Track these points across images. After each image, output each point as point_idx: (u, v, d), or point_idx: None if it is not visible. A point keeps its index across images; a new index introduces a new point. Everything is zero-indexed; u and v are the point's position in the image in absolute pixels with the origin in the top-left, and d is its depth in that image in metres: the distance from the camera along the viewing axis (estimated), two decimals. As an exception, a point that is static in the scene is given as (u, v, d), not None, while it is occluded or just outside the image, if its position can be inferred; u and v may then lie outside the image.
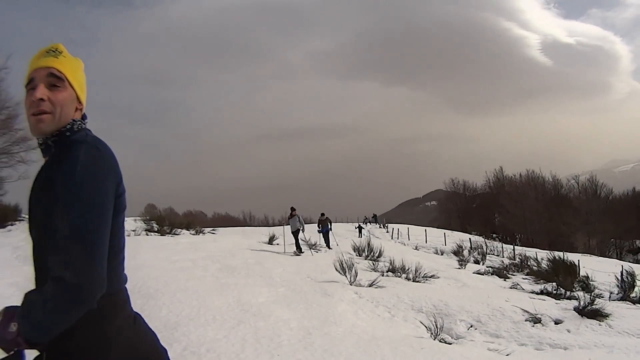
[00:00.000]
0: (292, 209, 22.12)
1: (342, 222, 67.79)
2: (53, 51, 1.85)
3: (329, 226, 26.60)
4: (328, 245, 25.49)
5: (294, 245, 20.86)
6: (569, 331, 9.11)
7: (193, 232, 28.38)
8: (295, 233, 21.30)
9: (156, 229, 25.94)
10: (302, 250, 20.68)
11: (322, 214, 26.77)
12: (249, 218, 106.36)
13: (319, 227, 26.81)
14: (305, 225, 24.10)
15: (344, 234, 40.89)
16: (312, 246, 22.78)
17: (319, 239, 26.16)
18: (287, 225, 23.00)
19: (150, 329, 1.97)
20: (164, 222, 27.07)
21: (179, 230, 27.27)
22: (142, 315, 1.95)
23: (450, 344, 8.09)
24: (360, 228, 46.56)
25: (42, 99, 1.75)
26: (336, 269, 12.91)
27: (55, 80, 1.79)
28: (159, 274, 11.11)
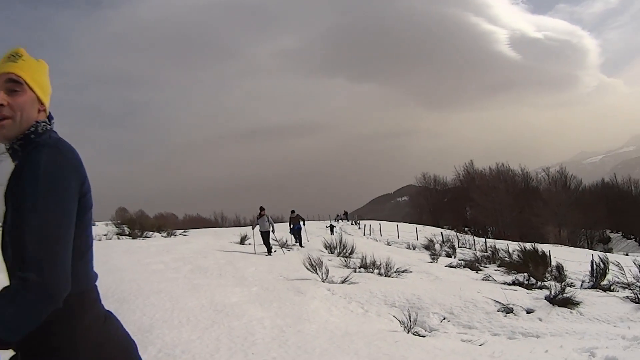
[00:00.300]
0: (261, 209, 21.34)
1: (314, 220, 67.80)
2: (13, 56, 1.83)
3: (301, 223, 26.20)
4: (300, 244, 25.11)
5: (265, 246, 20.26)
6: (540, 320, 9.24)
7: (165, 234, 28.28)
8: (265, 234, 20.53)
9: (127, 233, 25.81)
10: (274, 250, 20.36)
11: (293, 211, 26.31)
12: (220, 219, 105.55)
13: (290, 225, 26.34)
14: (277, 225, 23.99)
15: (315, 231, 40.88)
16: (284, 245, 22.80)
17: (290, 237, 25.75)
18: (257, 225, 22.27)
19: (123, 328, 1.94)
20: (135, 225, 26.96)
21: (151, 233, 27.24)
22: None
23: (423, 336, 8.16)
24: (332, 227, 46.46)
25: (1, 105, 1.72)
26: (306, 267, 12.89)
27: (14, 85, 1.77)
28: (131, 277, 11.00)
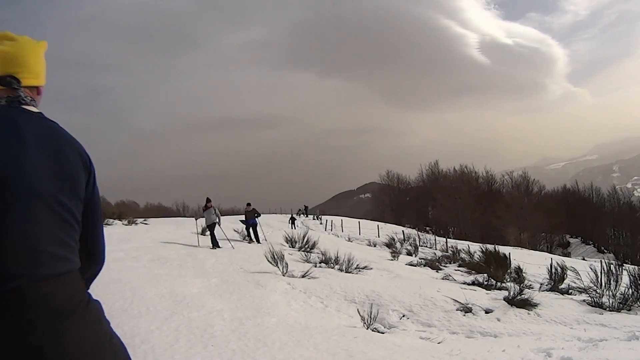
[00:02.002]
0: (208, 200, 20.67)
1: (275, 214, 67.82)
2: None
3: (257, 219, 24.30)
4: (257, 239, 23.71)
5: (211, 239, 19.48)
6: (499, 320, 9.40)
7: (125, 222, 28.10)
8: (210, 226, 19.92)
9: None
10: (220, 245, 19.26)
11: (249, 204, 24.33)
12: (182, 208, 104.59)
13: (245, 219, 24.54)
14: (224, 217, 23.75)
15: (277, 225, 40.91)
16: (245, 237, 23.02)
17: (245, 230, 24.59)
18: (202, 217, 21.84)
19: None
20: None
21: (111, 220, 27.03)
22: None
23: (383, 333, 8.23)
24: (292, 220, 46.52)
25: None
26: (267, 259, 12.90)
27: None
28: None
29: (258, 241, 23.48)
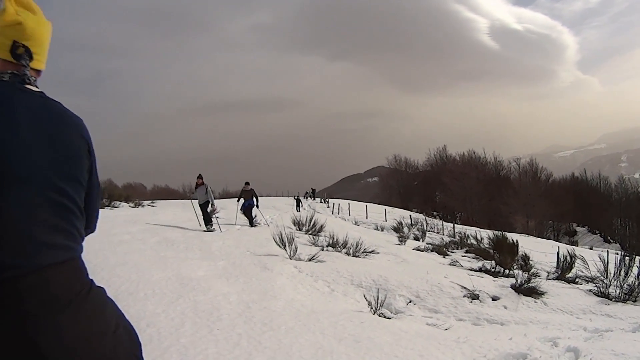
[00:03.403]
0: (199, 177, 19.48)
1: (282, 197, 67.97)
2: None
3: (254, 200, 22.13)
4: (251, 222, 21.74)
5: (203, 219, 18.64)
6: (505, 307, 9.39)
7: (132, 204, 28.11)
8: (203, 206, 18.93)
9: None
10: (213, 228, 18.31)
11: (247, 183, 22.43)
12: (189, 191, 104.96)
13: (242, 199, 22.39)
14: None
15: (284, 207, 40.98)
16: (252, 220, 22.14)
17: (244, 214, 22.36)
18: (240, 199, 21.54)
19: None
20: (102, 194, 26.38)
21: (118, 203, 27.07)
22: None
23: (389, 318, 8.21)
24: (298, 201, 46.51)
25: None
26: (276, 242, 12.89)
27: None
28: (97, 247, 10.87)
29: (251, 224, 21.75)
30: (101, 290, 1.80)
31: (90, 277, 1.80)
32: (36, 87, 1.79)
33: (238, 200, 23.06)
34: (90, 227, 1.99)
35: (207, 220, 18.46)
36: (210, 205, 18.88)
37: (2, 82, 1.69)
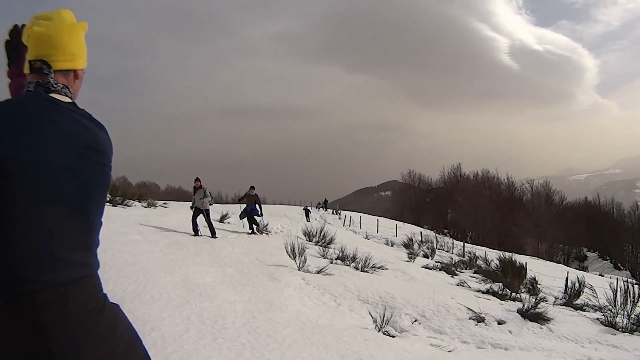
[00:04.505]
0: (197, 180, 18.52)
1: (294, 205, 67.96)
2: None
3: (257, 206, 20.84)
4: (252, 229, 20.65)
5: (208, 227, 17.47)
6: (510, 332, 9.32)
7: (145, 204, 28.01)
8: (198, 210, 17.82)
9: (108, 199, 25.05)
10: (200, 233, 17.23)
11: (252, 187, 21.23)
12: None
13: (245, 205, 21.20)
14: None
15: (295, 217, 41.00)
16: (262, 228, 21.63)
17: (247, 221, 21.03)
18: (243, 204, 20.93)
19: None
20: (116, 192, 26.22)
21: (131, 201, 26.95)
22: None
23: (394, 336, 8.18)
24: (307, 211, 46.37)
25: None
26: (287, 252, 12.89)
27: None
28: (107, 245, 10.84)
29: (253, 231, 20.67)
30: (114, 307, 1.82)
31: (99, 274, 1.83)
32: (67, 94, 1.84)
33: (240, 201, 22.30)
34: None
35: (194, 226, 17.37)
36: (205, 211, 17.78)
37: (29, 94, 1.74)
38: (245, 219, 21.15)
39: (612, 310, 11.53)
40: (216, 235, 17.29)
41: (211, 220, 17.75)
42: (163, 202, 32.85)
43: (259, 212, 20.90)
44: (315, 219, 43.32)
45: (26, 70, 1.81)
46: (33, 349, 1.52)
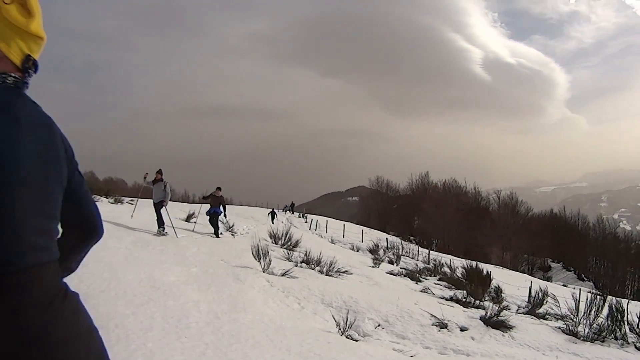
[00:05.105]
0: (159, 172, 17.56)
1: (261, 207, 67.76)
2: None
3: (221, 208, 19.84)
4: (216, 233, 19.69)
5: (157, 221, 16.61)
6: (473, 339, 9.46)
7: (112, 200, 27.59)
8: (157, 205, 16.85)
9: None
10: (166, 232, 16.51)
11: (219, 188, 20.27)
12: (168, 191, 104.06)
13: (210, 204, 20.12)
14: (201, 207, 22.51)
15: (262, 219, 40.95)
16: (226, 230, 21.81)
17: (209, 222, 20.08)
18: (206, 204, 20.39)
19: None
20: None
21: (98, 197, 26.54)
22: None
23: (356, 340, 8.24)
24: (273, 214, 46.33)
25: None
26: (252, 254, 12.87)
27: None
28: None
29: (217, 234, 19.71)
30: (76, 294, 1.83)
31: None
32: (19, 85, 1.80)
33: (203, 200, 21.36)
34: (96, 229, 2.14)
35: (160, 222, 16.53)
36: (164, 206, 17.00)
37: (6, 86, 1.73)
38: (209, 221, 20.16)
39: (574, 319, 11.78)
40: (163, 231, 16.43)
41: (162, 215, 16.73)
42: (130, 198, 32.52)
43: (224, 214, 20.19)
44: (282, 222, 43.27)
45: (16, 58, 1.78)
46: (5, 330, 1.52)
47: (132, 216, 19.01)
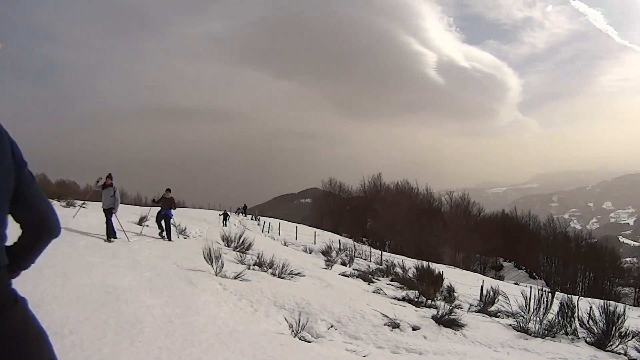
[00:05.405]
0: (109, 177, 16.89)
1: (214, 209, 67.37)
2: None
3: (172, 211, 19.66)
4: (169, 236, 19.22)
5: (106, 228, 15.82)
6: (425, 337, 9.61)
7: (64, 204, 26.99)
8: (107, 212, 16.12)
9: None
10: (116, 237, 15.98)
11: (168, 190, 19.99)
12: (121, 195, 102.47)
13: (161, 207, 19.73)
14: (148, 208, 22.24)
15: (214, 221, 40.75)
16: (176, 233, 21.25)
17: (157, 223, 19.69)
18: (157, 207, 19.83)
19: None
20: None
21: (50, 200, 25.61)
22: None
23: (310, 342, 8.29)
24: (225, 216, 46.06)
25: None
26: (204, 257, 12.80)
27: None
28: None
29: (169, 238, 19.27)
30: (24, 300, 1.83)
31: (18, 277, 1.87)
32: None
33: (154, 202, 20.80)
34: (50, 227, 2.14)
35: (111, 231, 15.79)
36: (113, 211, 16.31)
37: None
38: (162, 223, 19.57)
39: (525, 316, 12.05)
40: (112, 239, 15.60)
41: (112, 223, 16.01)
42: (82, 202, 32.02)
43: (171, 214, 19.69)
44: (234, 225, 43.14)
45: None
46: None
47: (74, 217, 18.91)
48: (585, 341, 11.22)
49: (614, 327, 11.33)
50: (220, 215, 46.79)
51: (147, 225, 20.99)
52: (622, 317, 11.58)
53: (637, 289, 77.34)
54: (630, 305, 59.17)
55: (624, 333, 11.40)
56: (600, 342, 11.13)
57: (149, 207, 24.62)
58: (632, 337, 11.33)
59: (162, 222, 19.52)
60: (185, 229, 23.52)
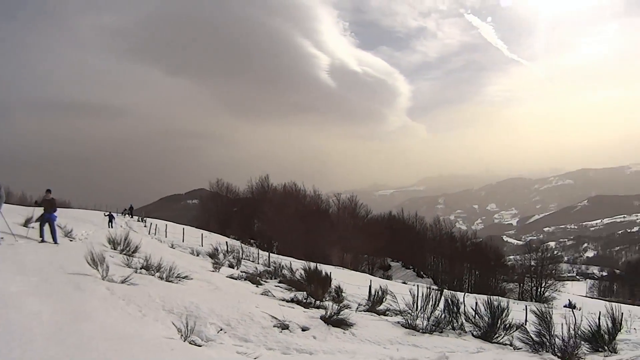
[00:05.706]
0: None
1: (99, 210, 65.59)
2: None
3: (54, 213, 18.62)
4: (54, 239, 18.16)
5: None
6: (315, 337, 9.81)
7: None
8: None
9: None
10: (2, 237, 15.17)
11: (49, 191, 19.22)
12: (6, 193, 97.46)
13: (44, 209, 18.57)
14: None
15: (100, 223, 39.68)
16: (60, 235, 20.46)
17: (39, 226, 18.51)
18: (39, 208, 18.79)
19: None
20: None
21: None
22: None
23: (200, 346, 8.28)
24: (110, 217, 44.99)
25: None
26: (87, 261, 12.46)
27: None
28: None
29: (55, 241, 18.23)
30: None
31: None
32: None
33: (37, 205, 20.05)
34: None
35: None
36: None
37: None
38: (43, 226, 18.31)
39: (412, 313, 12.51)
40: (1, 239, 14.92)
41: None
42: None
43: (54, 217, 18.62)
44: (121, 226, 42.10)
45: None
46: None
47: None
48: (472, 334, 11.86)
49: (499, 320, 12.03)
50: (105, 216, 45.68)
51: (32, 227, 20.10)
52: (506, 310, 12.32)
53: (521, 285, 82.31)
54: (514, 299, 62.67)
55: (508, 325, 12.14)
56: (487, 334, 11.81)
57: (33, 208, 23.57)
58: (516, 329, 12.09)
59: (46, 226, 18.32)
60: (71, 230, 22.77)
